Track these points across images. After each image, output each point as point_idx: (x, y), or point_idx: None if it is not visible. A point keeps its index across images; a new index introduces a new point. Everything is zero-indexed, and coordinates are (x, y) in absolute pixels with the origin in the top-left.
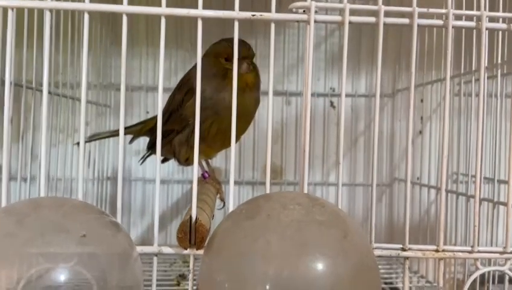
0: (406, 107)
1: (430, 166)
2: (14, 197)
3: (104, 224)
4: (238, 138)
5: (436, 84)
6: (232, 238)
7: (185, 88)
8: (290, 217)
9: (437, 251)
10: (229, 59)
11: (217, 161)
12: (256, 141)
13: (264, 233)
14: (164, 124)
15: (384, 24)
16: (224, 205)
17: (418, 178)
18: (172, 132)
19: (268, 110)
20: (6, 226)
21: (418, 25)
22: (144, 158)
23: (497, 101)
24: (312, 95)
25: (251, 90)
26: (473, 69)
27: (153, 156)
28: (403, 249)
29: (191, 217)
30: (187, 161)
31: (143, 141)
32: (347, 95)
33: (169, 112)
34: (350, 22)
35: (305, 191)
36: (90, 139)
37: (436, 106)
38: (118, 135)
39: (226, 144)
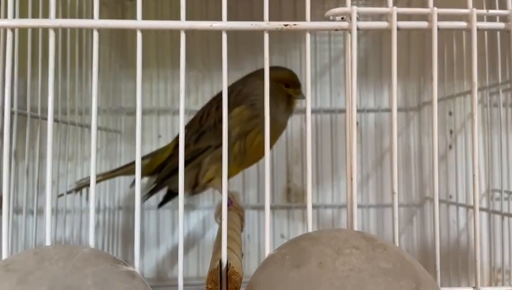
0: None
1: (464, 183)
2: (21, 231)
3: (119, 276)
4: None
5: (466, 96)
6: None
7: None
8: (347, 265)
9: None
10: (289, 86)
11: (234, 185)
12: (275, 163)
13: (318, 287)
14: (195, 143)
15: (439, 29)
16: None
17: (450, 196)
18: (204, 151)
19: (307, 129)
20: (6, 287)
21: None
22: (163, 202)
23: None
24: (332, 111)
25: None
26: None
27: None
28: None
29: (221, 262)
30: (209, 183)
31: None
32: (369, 110)
33: (202, 130)
34: (399, 28)
35: (355, 227)
36: (79, 187)
37: (466, 118)
38: (112, 177)
39: (261, 156)
